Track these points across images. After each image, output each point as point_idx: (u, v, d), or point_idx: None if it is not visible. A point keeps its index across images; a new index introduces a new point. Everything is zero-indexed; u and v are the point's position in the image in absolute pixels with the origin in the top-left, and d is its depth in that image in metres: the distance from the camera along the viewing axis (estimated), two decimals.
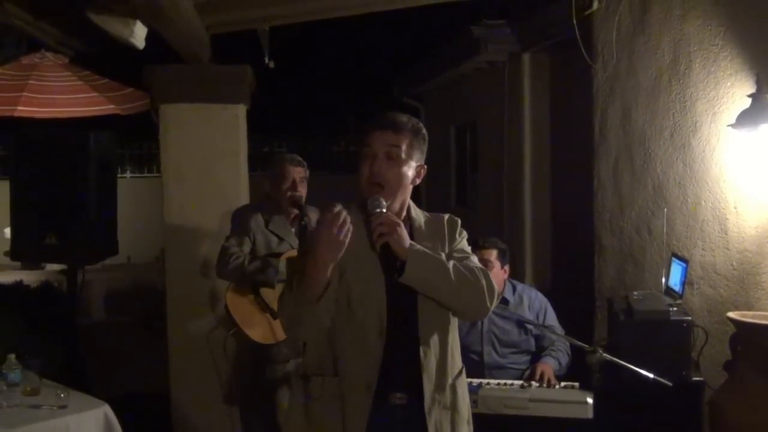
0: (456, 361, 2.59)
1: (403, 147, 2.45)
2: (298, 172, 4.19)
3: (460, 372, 2.61)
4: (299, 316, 2.41)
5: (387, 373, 2.44)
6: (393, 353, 2.44)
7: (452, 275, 2.38)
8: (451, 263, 2.41)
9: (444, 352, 2.52)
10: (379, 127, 2.46)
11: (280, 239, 4.18)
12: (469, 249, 2.61)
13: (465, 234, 2.63)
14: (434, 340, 2.49)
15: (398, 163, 2.44)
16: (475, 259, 2.56)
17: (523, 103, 6.81)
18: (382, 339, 2.43)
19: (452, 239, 2.56)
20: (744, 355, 3.42)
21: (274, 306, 4.03)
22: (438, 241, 2.53)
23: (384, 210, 2.38)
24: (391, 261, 2.34)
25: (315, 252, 2.29)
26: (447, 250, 2.53)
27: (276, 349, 4.06)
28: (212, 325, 4.67)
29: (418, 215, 2.58)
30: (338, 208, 2.31)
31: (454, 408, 2.55)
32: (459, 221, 2.63)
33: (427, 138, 2.54)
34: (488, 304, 2.46)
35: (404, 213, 2.53)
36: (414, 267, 2.34)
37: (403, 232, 2.36)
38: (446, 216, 2.63)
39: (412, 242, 2.38)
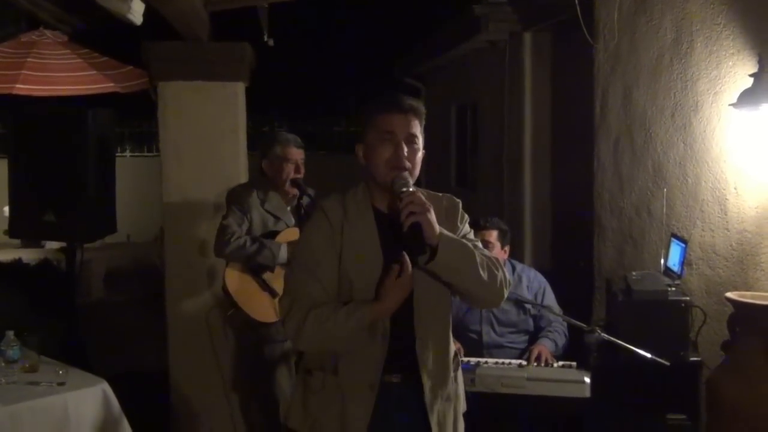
0: (451, 351, 2.58)
1: (419, 133, 2.43)
2: (300, 154, 4.20)
3: (455, 358, 2.60)
4: (330, 340, 2.39)
5: (388, 370, 2.43)
6: (395, 351, 2.43)
7: (479, 265, 2.35)
8: (475, 250, 2.38)
9: (442, 344, 2.50)
10: (399, 110, 2.40)
11: (276, 218, 4.17)
12: (472, 234, 2.56)
13: (467, 218, 2.57)
14: (431, 334, 2.46)
15: (417, 149, 2.42)
16: (481, 247, 2.52)
17: (524, 83, 6.76)
18: (386, 340, 2.40)
19: (453, 225, 2.49)
20: (742, 335, 3.42)
21: (274, 285, 4.06)
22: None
23: (412, 189, 2.34)
24: (419, 242, 2.27)
25: (386, 304, 2.34)
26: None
27: (275, 328, 4.06)
28: (211, 304, 4.68)
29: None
30: (409, 265, 2.33)
31: (456, 398, 2.56)
32: (459, 204, 2.57)
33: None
34: (504, 295, 2.45)
35: None
36: (446, 252, 2.29)
37: (434, 215, 2.30)
38: (445, 199, 2.56)
39: (441, 227, 2.32)
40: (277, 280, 4.08)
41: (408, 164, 2.38)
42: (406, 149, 2.38)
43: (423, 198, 2.31)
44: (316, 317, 2.34)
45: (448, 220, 2.49)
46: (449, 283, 2.40)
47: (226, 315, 4.32)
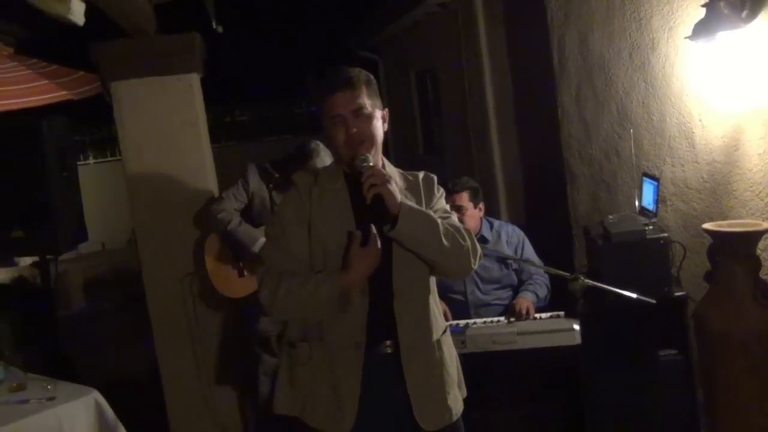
0: (439, 320, 2.59)
1: (365, 102, 2.43)
2: None
3: (445, 331, 2.61)
4: (305, 311, 2.45)
5: (372, 328, 2.45)
6: (375, 308, 2.45)
7: (442, 234, 2.38)
8: (440, 221, 2.42)
9: (423, 307, 2.52)
10: (336, 89, 2.42)
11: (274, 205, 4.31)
12: (448, 207, 2.62)
13: (442, 191, 2.63)
14: (410, 294, 2.49)
15: (369, 117, 2.44)
16: (454, 218, 2.56)
17: (480, 42, 6.74)
18: (365, 296, 2.43)
19: (430, 198, 2.56)
20: (723, 264, 3.43)
21: (245, 265, 4.29)
22: (414, 199, 2.52)
23: (372, 164, 2.39)
24: (382, 213, 2.33)
25: (352, 274, 2.37)
26: (425, 209, 2.52)
27: (247, 309, 4.27)
28: (191, 300, 4.63)
29: (393, 172, 2.56)
30: (376, 237, 2.36)
31: (443, 366, 2.55)
32: (435, 178, 2.63)
33: (375, 82, 2.54)
34: (473, 264, 2.48)
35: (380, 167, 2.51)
36: (406, 221, 2.34)
37: (395, 186, 2.36)
38: (421, 174, 2.62)
39: (403, 198, 2.38)
40: (252, 263, 4.27)
41: (362, 138, 2.42)
42: (356, 123, 2.42)
43: (383, 171, 2.39)
44: (288, 288, 2.40)
45: (426, 191, 2.57)
46: (415, 252, 2.44)
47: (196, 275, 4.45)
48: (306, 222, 2.47)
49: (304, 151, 4.24)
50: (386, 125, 2.52)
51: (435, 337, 2.53)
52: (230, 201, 4.18)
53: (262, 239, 4.11)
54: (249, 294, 4.18)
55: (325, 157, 4.22)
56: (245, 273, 4.25)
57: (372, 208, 2.34)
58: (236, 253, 4.21)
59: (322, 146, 4.25)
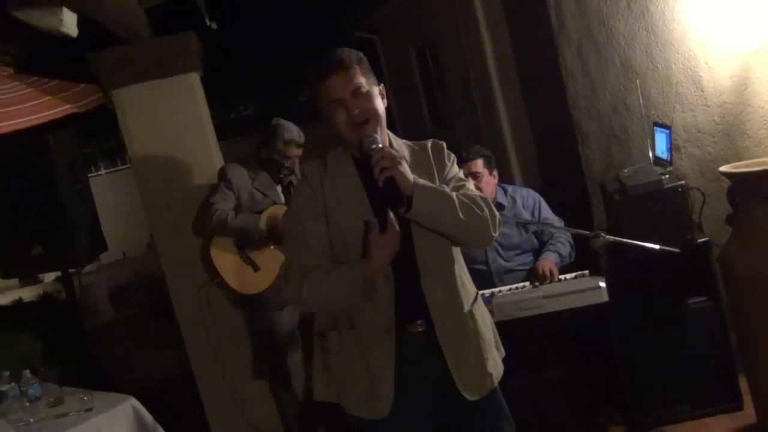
0: (468, 288, 2.57)
1: (361, 81, 2.39)
2: (299, 152, 4.32)
3: (476, 299, 2.59)
4: (331, 304, 2.44)
5: (401, 311, 2.43)
6: (403, 291, 2.42)
7: (458, 208, 2.34)
8: (454, 195, 2.37)
9: (451, 281, 2.49)
10: (329, 73, 2.37)
11: (264, 195, 4.29)
12: (462, 174, 2.56)
13: (453, 157, 2.57)
14: (437, 271, 2.45)
15: (368, 95, 2.39)
16: (471, 185, 2.52)
17: (477, 11, 6.67)
18: (390, 281, 2.41)
19: (441, 166, 2.51)
20: (744, 205, 3.40)
21: (256, 259, 4.26)
22: (425, 170, 2.47)
23: (381, 145, 2.34)
24: (396, 195, 2.29)
25: (374, 262, 2.33)
26: (439, 179, 2.48)
27: (266, 300, 4.27)
28: (209, 306, 4.64)
29: (401, 146, 2.52)
30: (393, 220, 2.31)
31: (477, 335, 2.54)
32: (444, 145, 2.57)
33: (366, 59, 2.48)
34: (493, 232, 2.43)
35: (387, 145, 2.45)
36: (421, 201, 2.30)
37: (406, 166, 2.31)
38: (429, 143, 2.57)
39: (415, 176, 2.33)
40: (262, 255, 4.26)
41: (365, 117, 2.37)
42: (356, 104, 2.36)
43: (393, 152, 2.33)
44: (311, 283, 2.38)
45: (437, 160, 2.52)
46: (434, 230, 2.40)
47: (213, 283, 4.44)
48: (322, 214, 2.43)
49: (268, 133, 4.28)
50: (385, 101, 2.47)
51: (466, 308, 2.51)
52: (220, 203, 4.17)
53: (261, 220, 4.19)
54: (267, 288, 4.22)
55: (291, 127, 4.27)
56: (260, 267, 4.26)
57: (385, 191, 2.30)
58: (246, 239, 4.21)
59: (281, 120, 4.31)
